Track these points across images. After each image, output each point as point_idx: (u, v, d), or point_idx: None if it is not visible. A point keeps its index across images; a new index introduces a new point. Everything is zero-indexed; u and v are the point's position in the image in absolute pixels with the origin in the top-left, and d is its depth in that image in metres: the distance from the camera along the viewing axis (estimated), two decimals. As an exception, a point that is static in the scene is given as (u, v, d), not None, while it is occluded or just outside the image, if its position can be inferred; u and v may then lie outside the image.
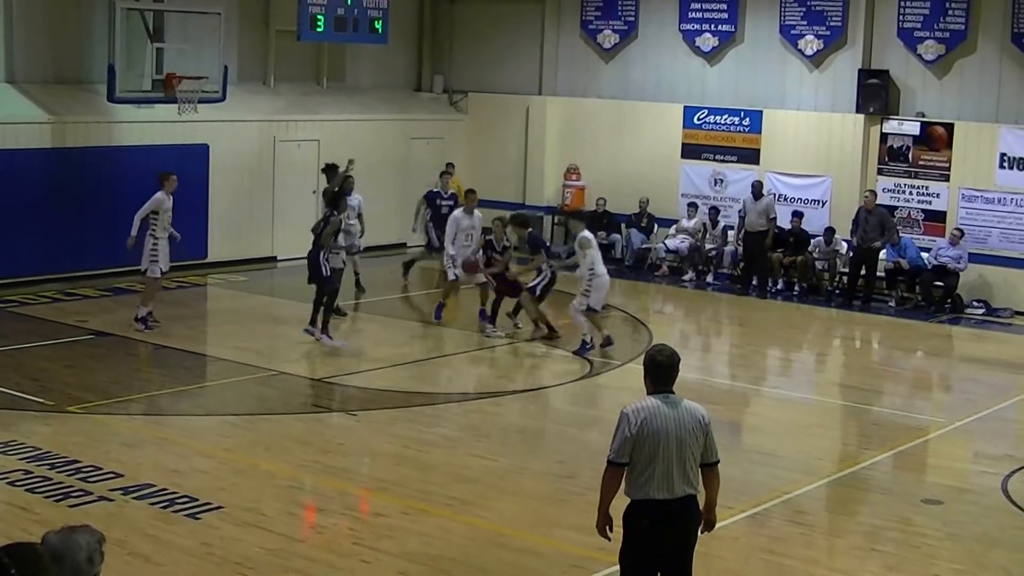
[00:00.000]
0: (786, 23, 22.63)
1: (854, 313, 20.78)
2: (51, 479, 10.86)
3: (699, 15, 23.49)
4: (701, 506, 7.35)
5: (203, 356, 15.98)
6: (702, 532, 7.41)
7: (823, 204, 22.29)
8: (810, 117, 22.45)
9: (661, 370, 7.28)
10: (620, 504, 7.31)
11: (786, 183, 22.58)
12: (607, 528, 7.37)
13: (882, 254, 21.04)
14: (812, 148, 22.35)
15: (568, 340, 16.91)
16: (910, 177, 21.51)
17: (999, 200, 20.74)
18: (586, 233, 16.78)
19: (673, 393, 7.25)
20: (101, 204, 19.70)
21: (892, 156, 21.67)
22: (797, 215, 21.88)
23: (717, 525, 7.64)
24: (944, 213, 21.17)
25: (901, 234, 20.99)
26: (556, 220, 25.34)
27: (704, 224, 23.01)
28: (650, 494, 7.08)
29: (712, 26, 23.38)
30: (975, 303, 20.81)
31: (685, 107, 23.67)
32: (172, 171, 16.91)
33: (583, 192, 24.86)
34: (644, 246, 23.73)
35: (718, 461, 7.31)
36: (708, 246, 22.94)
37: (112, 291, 19.27)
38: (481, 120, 26.00)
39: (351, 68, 25.20)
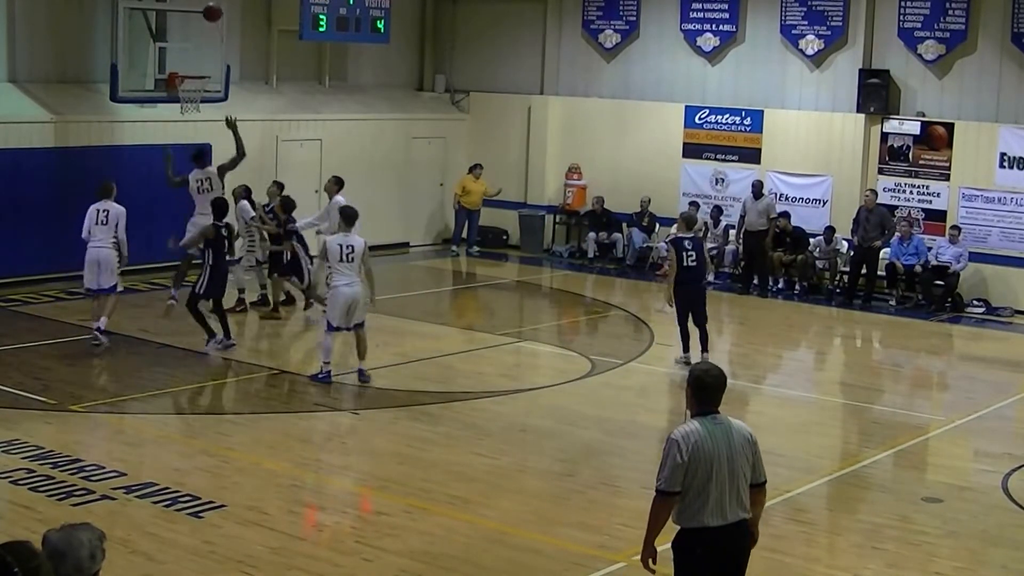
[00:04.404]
0: (787, 23, 22.66)
1: (854, 312, 20.81)
2: (54, 478, 10.89)
3: (700, 15, 23.52)
4: None
5: (205, 355, 15.99)
6: None
7: (824, 203, 22.32)
8: (811, 117, 22.49)
9: (709, 391, 6.90)
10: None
11: (787, 182, 22.62)
12: (651, 560, 7.02)
13: (885, 252, 21.08)
14: (813, 147, 22.39)
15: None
16: (910, 176, 21.54)
17: (999, 199, 20.77)
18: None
19: (719, 414, 6.93)
20: (104, 203, 19.71)
21: (892, 155, 21.70)
22: (784, 215, 21.89)
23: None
24: (944, 212, 21.21)
25: (913, 233, 20.97)
26: (557, 220, 25.39)
27: (705, 223, 23.02)
28: (704, 521, 6.78)
29: (713, 26, 23.41)
30: (975, 302, 20.85)
31: (686, 106, 23.70)
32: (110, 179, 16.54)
33: (584, 191, 24.90)
34: (645, 245, 23.76)
35: (766, 481, 7.08)
36: (709, 245, 22.95)
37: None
38: (483, 119, 26.03)
39: (353, 67, 25.24)
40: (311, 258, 17.99)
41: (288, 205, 18.05)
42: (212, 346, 15.71)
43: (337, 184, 18.18)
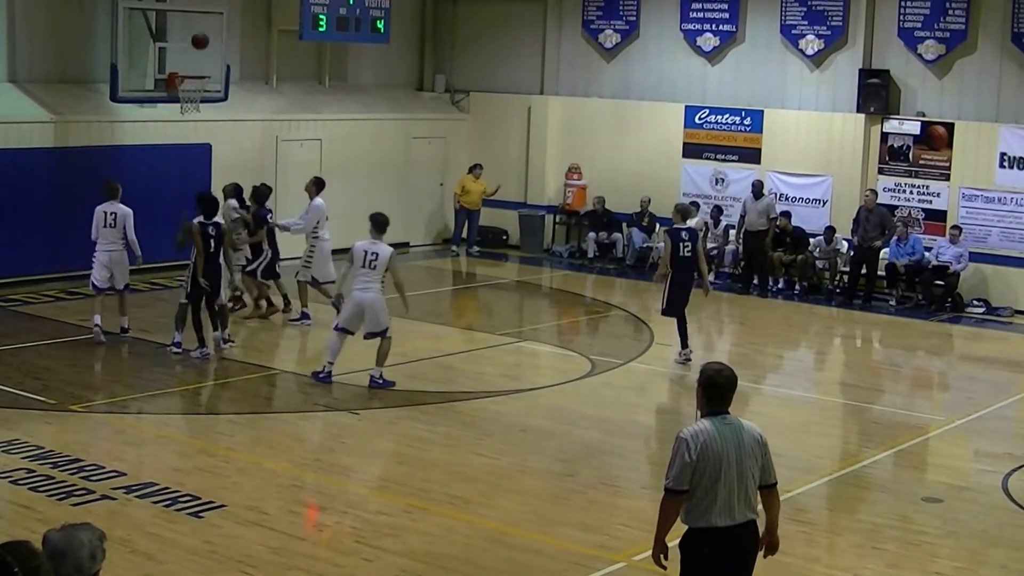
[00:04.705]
0: (787, 23, 22.66)
1: (854, 312, 20.81)
2: (54, 478, 10.89)
3: (700, 15, 23.52)
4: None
5: (205, 355, 15.95)
6: (765, 556, 7.16)
7: (824, 203, 22.31)
8: (811, 116, 22.48)
9: (719, 391, 6.93)
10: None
11: (787, 182, 22.61)
12: (662, 557, 7.03)
13: (884, 252, 21.09)
14: (813, 147, 22.38)
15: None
16: (911, 176, 21.54)
17: (999, 199, 20.76)
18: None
19: (729, 414, 6.97)
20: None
21: (893, 155, 21.70)
22: (785, 215, 21.89)
23: None
24: (944, 212, 21.20)
25: (910, 233, 20.99)
26: (557, 220, 25.39)
27: (706, 223, 23.01)
28: (711, 521, 6.79)
29: (713, 26, 23.41)
30: (975, 302, 20.84)
31: (686, 106, 23.69)
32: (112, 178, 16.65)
33: (584, 191, 24.89)
34: (645, 245, 23.75)
35: (776, 482, 7.07)
36: (710, 245, 22.93)
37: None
38: (483, 119, 26.03)
39: (353, 67, 25.23)
40: (276, 255, 17.88)
41: (260, 195, 17.85)
42: (197, 353, 15.36)
43: (316, 185, 17.98)
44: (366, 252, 14.32)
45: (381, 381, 14.44)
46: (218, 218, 15.69)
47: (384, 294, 14.53)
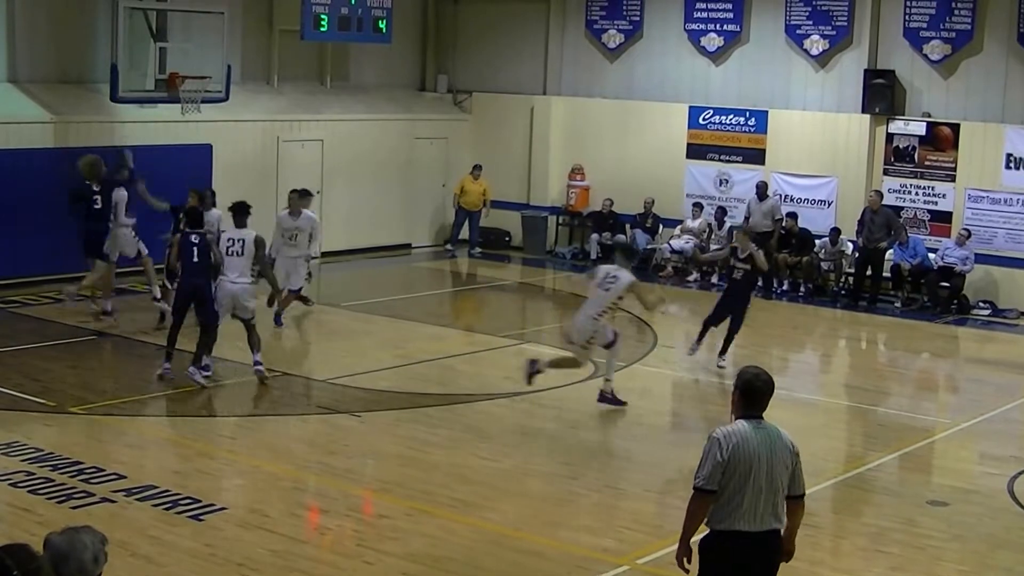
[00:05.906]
0: (792, 23, 22.59)
1: (859, 314, 20.73)
2: (53, 480, 10.83)
3: (704, 15, 23.45)
4: None
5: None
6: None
7: (829, 204, 22.24)
8: (816, 117, 22.41)
9: (757, 395, 6.85)
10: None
11: (791, 183, 22.54)
12: (685, 560, 6.94)
13: (889, 254, 21.02)
14: (818, 148, 22.31)
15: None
16: (916, 177, 21.46)
17: (1005, 200, 20.68)
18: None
19: (763, 419, 6.89)
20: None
21: (898, 156, 21.62)
22: (792, 216, 21.84)
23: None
24: (950, 213, 21.12)
25: (909, 234, 20.95)
26: (560, 221, 25.32)
27: (709, 224, 22.96)
28: (736, 525, 6.71)
29: (717, 26, 23.34)
30: (981, 304, 20.76)
31: (690, 107, 23.62)
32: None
33: (587, 192, 24.82)
34: (649, 247, 23.67)
35: (804, 493, 7.00)
36: (713, 247, 22.86)
37: (115, 292, 19.19)
38: (485, 120, 25.97)
39: (355, 68, 25.17)
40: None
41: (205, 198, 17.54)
42: (162, 369, 14.37)
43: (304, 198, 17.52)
44: (607, 274, 13.90)
45: (610, 397, 14.01)
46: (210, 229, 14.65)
47: (595, 323, 13.77)
